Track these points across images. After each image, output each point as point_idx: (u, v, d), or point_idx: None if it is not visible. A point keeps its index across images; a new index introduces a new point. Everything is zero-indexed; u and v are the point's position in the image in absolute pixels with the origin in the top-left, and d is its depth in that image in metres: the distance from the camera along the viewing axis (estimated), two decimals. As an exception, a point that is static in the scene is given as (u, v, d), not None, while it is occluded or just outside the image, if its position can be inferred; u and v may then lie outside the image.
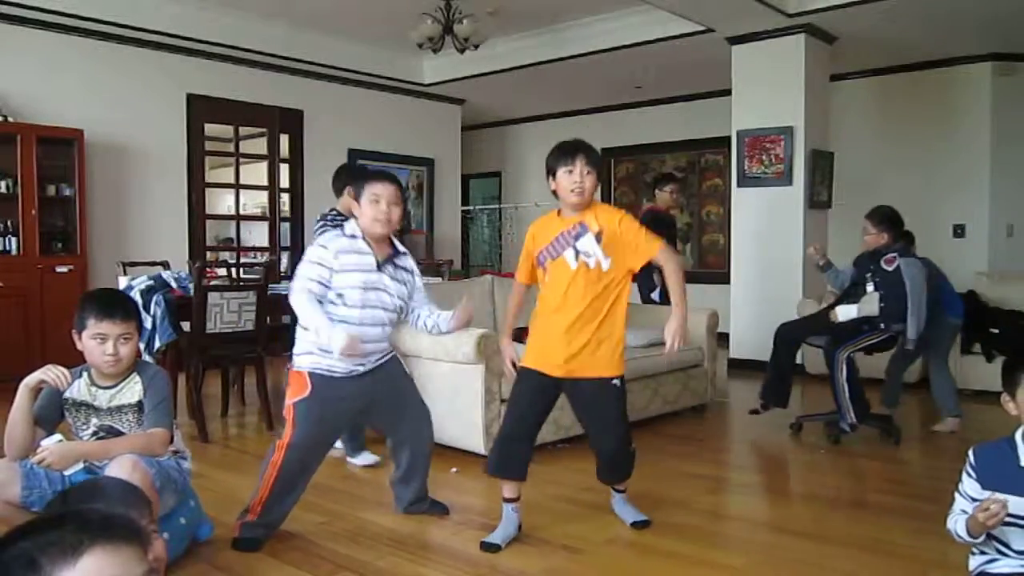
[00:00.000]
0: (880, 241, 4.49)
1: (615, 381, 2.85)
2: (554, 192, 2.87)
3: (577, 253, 2.78)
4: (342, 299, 2.79)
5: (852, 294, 4.58)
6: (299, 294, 2.73)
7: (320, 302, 2.73)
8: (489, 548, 2.82)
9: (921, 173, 7.60)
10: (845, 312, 4.41)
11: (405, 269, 2.97)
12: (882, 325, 4.30)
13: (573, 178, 2.77)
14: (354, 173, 3.90)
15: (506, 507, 2.94)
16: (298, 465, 2.84)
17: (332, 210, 4.07)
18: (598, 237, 2.77)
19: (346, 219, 3.78)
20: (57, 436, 2.40)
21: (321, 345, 2.72)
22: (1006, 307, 5.87)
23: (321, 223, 3.98)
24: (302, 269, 2.80)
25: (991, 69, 7.29)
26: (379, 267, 2.85)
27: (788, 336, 4.75)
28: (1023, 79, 7.33)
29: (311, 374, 2.82)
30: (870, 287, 4.43)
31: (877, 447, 4.44)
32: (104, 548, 0.94)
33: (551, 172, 2.85)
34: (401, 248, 2.99)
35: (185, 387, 4.61)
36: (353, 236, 2.85)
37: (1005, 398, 2.05)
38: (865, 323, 4.35)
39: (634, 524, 3.03)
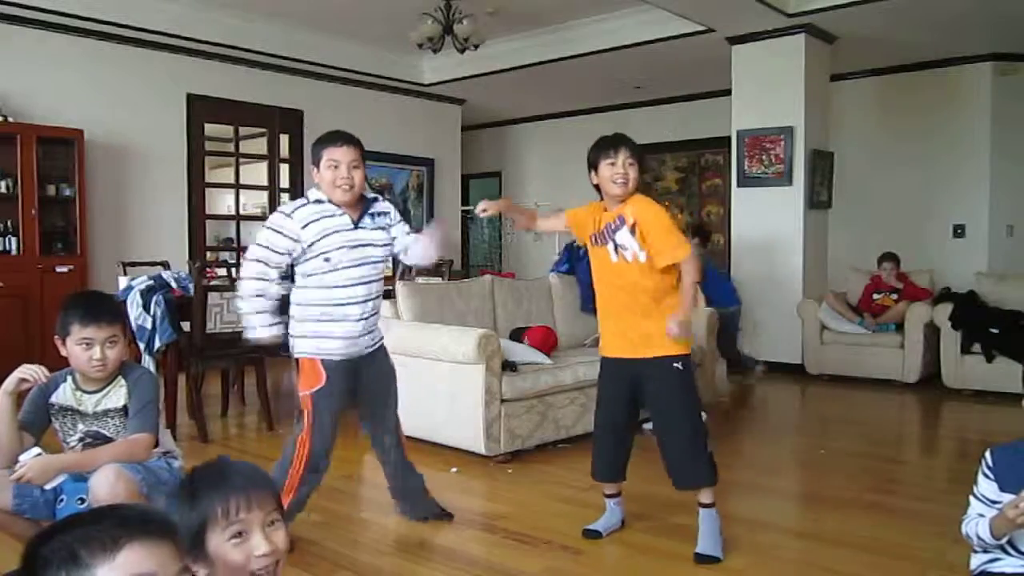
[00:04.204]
0: None
1: (676, 364, 2.80)
2: (596, 187, 2.89)
3: (616, 247, 2.80)
4: (329, 263, 2.71)
5: None
6: (249, 264, 2.70)
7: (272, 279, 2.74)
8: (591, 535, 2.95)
9: (921, 173, 7.60)
10: None
11: (382, 213, 2.88)
12: None
13: (616, 169, 2.79)
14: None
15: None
16: (322, 455, 2.81)
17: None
18: (632, 229, 2.79)
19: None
20: (35, 450, 2.28)
21: (319, 332, 2.76)
22: (1006, 307, 5.87)
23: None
24: (260, 234, 2.74)
25: (991, 69, 7.29)
26: (356, 225, 2.75)
27: None
28: (1023, 79, 7.33)
29: (324, 362, 2.76)
30: None
31: (877, 447, 4.44)
32: (142, 544, 0.98)
33: (593, 166, 2.86)
34: (371, 195, 2.88)
35: (185, 387, 4.61)
36: (319, 201, 2.74)
37: None
38: None
39: (696, 555, 2.77)
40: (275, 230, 2.71)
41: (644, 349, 2.81)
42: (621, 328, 2.85)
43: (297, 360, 2.82)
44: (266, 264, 2.71)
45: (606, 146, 2.84)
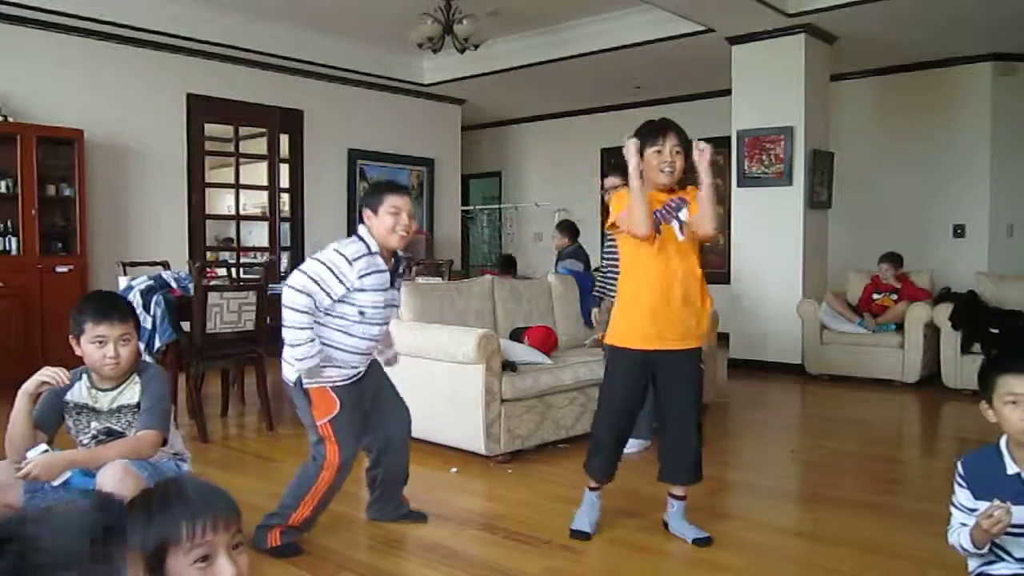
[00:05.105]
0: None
1: (700, 359, 2.86)
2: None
3: (681, 225, 2.77)
4: (363, 316, 2.74)
5: None
6: (296, 297, 2.62)
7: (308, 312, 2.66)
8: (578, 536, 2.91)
9: (921, 173, 7.60)
10: None
11: (400, 274, 2.97)
12: None
13: (663, 157, 2.74)
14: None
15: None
16: (344, 478, 2.84)
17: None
18: (688, 207, 2.79)
19: None
20: (42, 447, 2.29)
21: (325, 362, 2.73)
22: (1006, 307, 5.88)
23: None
24: (314, 267, 2.66)
25: (991, 69, 7.29)
26: (392, 283, 2.82)
27: None
28: (1023, 79, 7.33)
29: (333, 388, 2.76)
30: None
31: (877, 447, 4.44)
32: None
33: (638, 152, 2.78)
34: (400, 252, 2.91)
35: (185, 387, 4.61)
36: (373, 253, 2.73)
37: (983, 406, 1.94)
38: None
39: (695, 542, 2.86)
40: (333, 272, 2.65)
41: (679, 340, 2.77)
42: (665, 315, 2.74)
43: (305, 391, 2.75)
44: (315, 302, 2.66)
45: (653, 132, 2.76)
